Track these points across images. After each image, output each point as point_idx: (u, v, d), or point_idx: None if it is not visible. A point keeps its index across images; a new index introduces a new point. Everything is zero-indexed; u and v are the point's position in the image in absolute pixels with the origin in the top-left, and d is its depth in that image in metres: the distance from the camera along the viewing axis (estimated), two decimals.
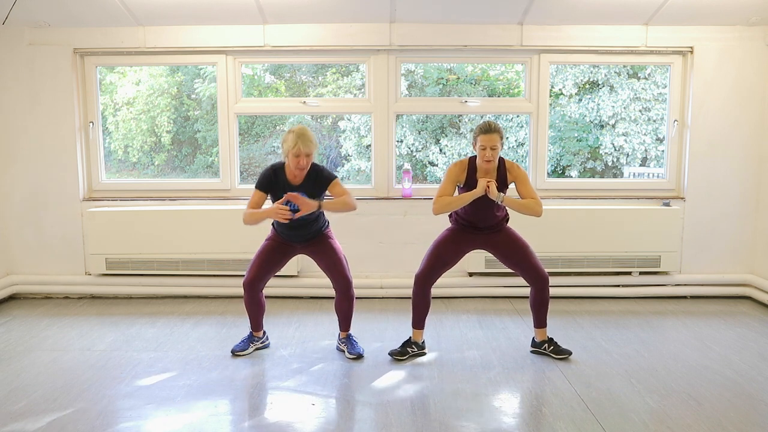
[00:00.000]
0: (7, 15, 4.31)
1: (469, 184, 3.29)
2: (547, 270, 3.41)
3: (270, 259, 3.39)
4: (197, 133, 8.85)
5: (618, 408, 2.80)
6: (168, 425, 2.64)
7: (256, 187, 3.30)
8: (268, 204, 3.30)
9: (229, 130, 4.74)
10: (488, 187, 3.17)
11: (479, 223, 3.34)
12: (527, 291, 3.51)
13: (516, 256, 3.35)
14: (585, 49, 4.60)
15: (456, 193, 3.34)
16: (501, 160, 3.32)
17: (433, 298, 3.52)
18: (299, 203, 3.12)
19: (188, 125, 8.95)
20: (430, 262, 3.37)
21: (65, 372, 3.21)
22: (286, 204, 3.13)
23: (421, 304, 3.41)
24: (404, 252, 4.66)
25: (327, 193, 3.35)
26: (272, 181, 3.28)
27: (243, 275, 3.47)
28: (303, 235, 3.37)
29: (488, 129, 3.20)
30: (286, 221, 3.14)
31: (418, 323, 3.45)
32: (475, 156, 3.31)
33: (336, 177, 3.32)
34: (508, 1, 4.21)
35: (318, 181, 3.29)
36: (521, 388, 3.03)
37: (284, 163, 3.28)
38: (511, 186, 3.35)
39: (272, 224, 3.46)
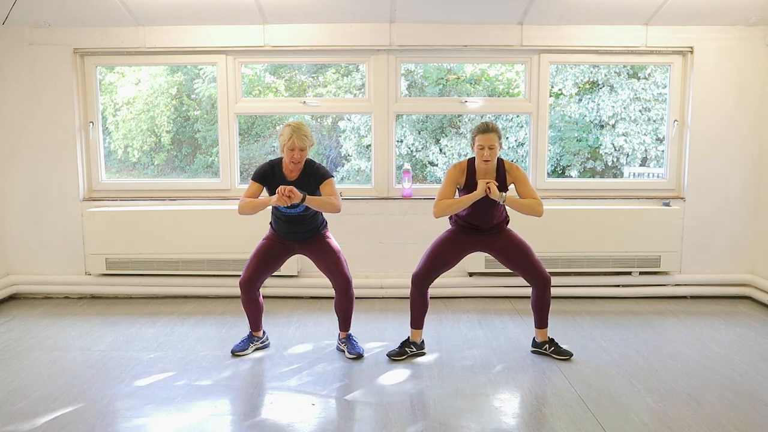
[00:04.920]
0: (7, 15, 4.31)
1: (469, 185, 3.28)
2: (547, 270, 3.40)
3: (267, 259, 3.40)
4: (197, 133, 8.85)
5: (618, 408, 2.80)
6: (168, 425, 2.64)
7: (252, 178, 3.35)
8: (263, 197, 3.34)
9: (229, 130, 4.74)
10: (489, 188, 3.17)
11: (480, 225, 3.34)
12: (527, 291, 3.51)
13: (517, 257, 3.35)
14: (585, 49, 4.59)
15: (456, 194, 3.34)
16: (500, 161, 3.31)
17: (433, 298, 3.52)
18: (286, 191, 3.09)
19: (188, 125, 8.95)
20: (428, 262, 3.36)
21: (65, 372, 3.21)
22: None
23: (418, 304, 3.41)
24: (404, 252, 4.65)
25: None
26: (268, 175, 3.33)
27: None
28: (300, 233, 3.38)
29: (486, 129, 3.20)
30: (285, 205, 3.13)
31: (417, 323, 3.45)
32: (474, 158, 3.31)
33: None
34: (508, 1, 4.21)
35: (313, 177, 3.31)
36: (521, 388, 3.03)
37: (281, 159, 3.33)
38: (511, 186, 3.35)
39: (270, 223, 3.46)
